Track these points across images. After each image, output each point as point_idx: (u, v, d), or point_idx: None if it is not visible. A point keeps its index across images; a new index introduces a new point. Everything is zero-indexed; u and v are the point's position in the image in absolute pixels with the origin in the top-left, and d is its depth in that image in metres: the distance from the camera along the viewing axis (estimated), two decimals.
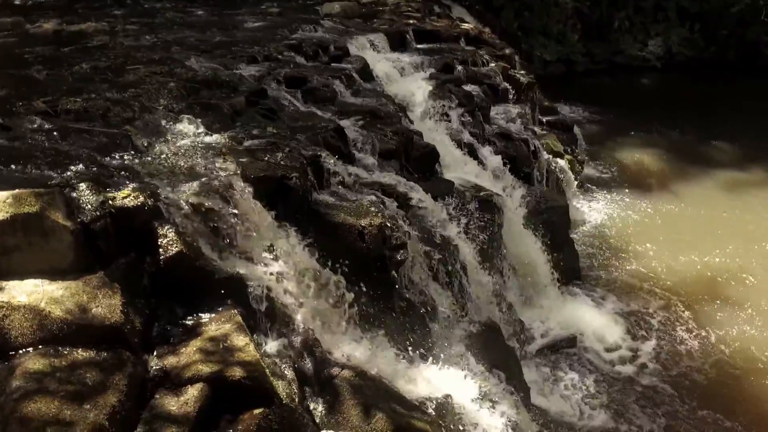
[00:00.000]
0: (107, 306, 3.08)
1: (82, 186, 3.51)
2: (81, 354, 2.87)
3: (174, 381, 2.99)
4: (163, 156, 4.38)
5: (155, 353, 3.18)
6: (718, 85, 18.11)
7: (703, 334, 7.02)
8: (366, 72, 8.20)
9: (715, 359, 6.62)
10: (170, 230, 3.53)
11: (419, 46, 10.43)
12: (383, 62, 8.91)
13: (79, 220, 3.33)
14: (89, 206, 3.41)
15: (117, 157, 4.19)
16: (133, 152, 4.34)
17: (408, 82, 8.50)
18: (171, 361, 3.11)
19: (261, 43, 8.42)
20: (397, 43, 10.09)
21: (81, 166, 3.82)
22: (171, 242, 3.49)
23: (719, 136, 13.38)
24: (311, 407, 3.46)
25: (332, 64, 8.18)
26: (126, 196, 3.55)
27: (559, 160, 9.69)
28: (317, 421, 3.39)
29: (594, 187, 10.92)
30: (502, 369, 5.02)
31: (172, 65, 6.74)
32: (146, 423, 2.72)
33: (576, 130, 11.77)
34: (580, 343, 6.79)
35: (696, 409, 5.93)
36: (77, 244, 3.25)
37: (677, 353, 6.72)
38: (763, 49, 19.70)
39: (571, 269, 7.79)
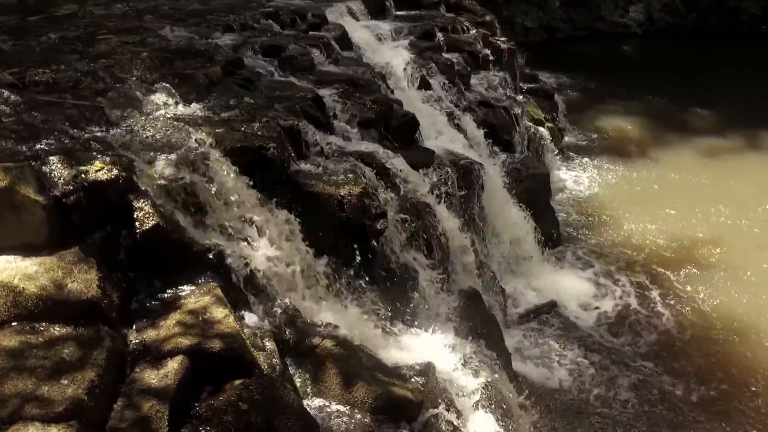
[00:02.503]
0: (83, 281, 3.04)
1: (53, 159, 3.43)
2: (58, 330, 2.84)
3: (154, 354, 2.98)
4: (137, 128, 4.28)
5: (134, 327, 3.17)
6: (698, 52, 18.16)
7: (681, 297, 7.16)
8: (344, 40, 8.06)
9: (690, 322, 6.77)
10: (146, 203, 3.48)
11: (399, 12, 10.28)
12: (362, 30, 8.77)
13: (51, 194, 3.26)
14: (61, 180, 3.33)
15: (89, 129, 4.08)
16: (105, 124, 4.23)
17: (387, 50, 8.38)
18: (150, 334, 3.10)
19: (237, 11, 8.22)
20: (377, 10, 9.93)
21: (51, 139, 3.72)
22: (147, 215, 3.45)
23: (699, 102, 13.46)
24: (293, 377, 3.48)
25: (310, 33, 8.02)
26: (99, 169, 3.48)
27: (540, 127, 9.70)
28: (299, 390, 3.42)
29: (575, 155, 10.96)
30: (483, 336, 5.09)
31: (144, 34, 6.55)
32: (126, 396, 2.72)
33: (557, 97, 11.77)
34: (561, 308, 6.89)
35: (671, 371, 6.08)
36: (50, 219, 3.19)
37: (656, 317, 6.86)
38: (742, 15, 19.75)
39: (552, 236, 7.87)
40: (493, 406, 4.31)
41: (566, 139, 11.37)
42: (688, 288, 7.32)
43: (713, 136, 11.95)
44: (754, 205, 9.16)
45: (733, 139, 11.78)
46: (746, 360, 6.18)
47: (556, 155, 10.17)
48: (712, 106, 13.28)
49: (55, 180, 3.34)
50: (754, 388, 5.82)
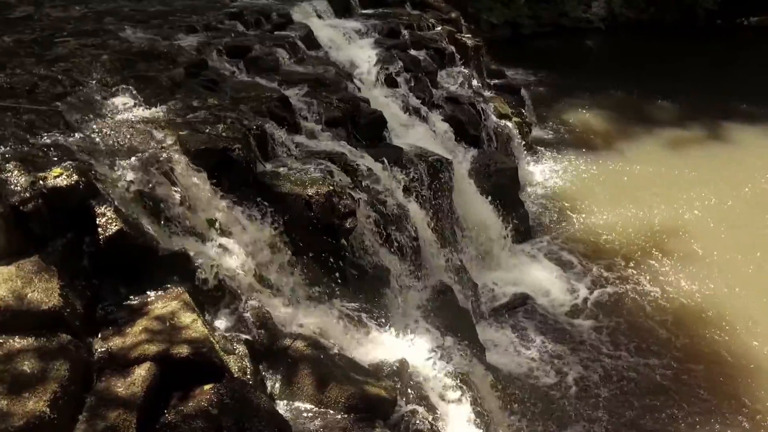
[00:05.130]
0: (44, 290, 2.95)
1: (9, 167, 3.33)
2: (18, 342, 2.75)
3: (120, 362, 2.91)
4: (98, 132, 4.19)
5: (99, 335, 3.09)
6: (658, 45, 18.57)
7: (649, 285, 7.30)
8: (310, 39, 8.02)
9: (659, 309, 6.91)
10: (108, 209, 3.40)
11: (364, 11, 10.28)
12: (327, 29, 8.74)
13: (8, 202, 3.18)
14: (18, 187, 3.25)
15: (47, 135, 3.97)
16: (65, 129, 4.12)
17: (353, 48, 8.36)
18: (116, 342, 3.03)
19: (200, 12, 8.11)
20: (342, 9, 9.89)
21: (7, 146, 3.61)
22: (110, 221, 3.37)
23: (660, 95, 13.76)
24: (265, 380, 3.44)
25: (275, 33, 7.96)
26: (58, 176, 3.39)
27: (507, 122, 9.78)
28: (272, 392, 3.39)
29: (542, 148, 11.09)
30: (456, 331, 5.12)
31: (105, 37, 6.43)
32: (92, 407, 2.65)
33: (523, 92, 11.89)
34: (533, 300, 6.96)
35: (641, 358, 6.19)
36: (7, 228, 3.10)
37: (624, 306, 6.98)
38: (698, 10, 20.33)
39: (522, 229, 7.95)
40: (468, 399, 4.33)
41: (533, 133, 11.49)
42: (656, 276, 7.47)
43: (676, 127, 12.22)
44: (717, 193, 9.39)
45: (694, 130, 12.06)
46: (716, 347, 6.31)
47: (524, 149, 10.27)
48: (674, 97, 13.59)
49: (12, 188, 3.25)
50: (726, 375, 5.94)
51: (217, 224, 3.86)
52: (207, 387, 2.84)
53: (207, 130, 4.43)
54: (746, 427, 5.36)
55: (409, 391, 3.91)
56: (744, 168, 10.31)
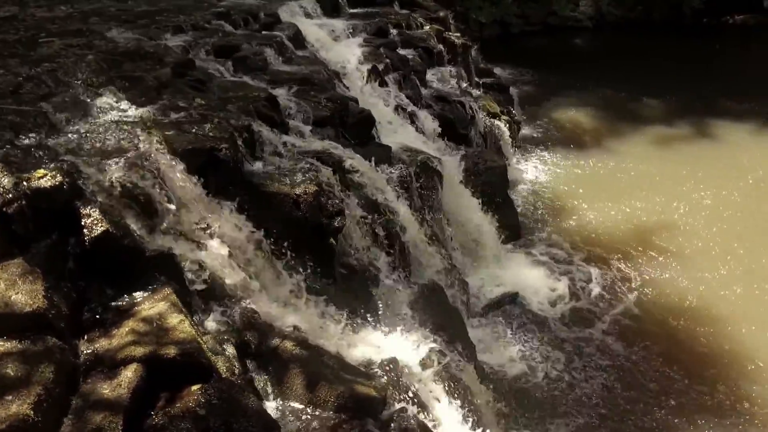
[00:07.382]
0: (28, 292, 2.92)
1: None
2: (1, 345, 2.72)
3: (107, 364, 2.89)
4: (84, 133, 4.16)
5: (86, 337, 3.07)
6: (646, 43, 18.69)
7: (639, 282, 7.34)
8: (298, 39, 8.00)
9: (648, 307, 6.94)
10: (94, 210, 3.37)
11: (353, 10, 10.28)
12: (316, 28, 8.73)
13: None
14: (1, 189, 3.20)
15: (31, 136, 3.93)
16: (49, 130, 4.08)
17: (342, 47, 8.35)
18: (103, 344, 3.00)
19: (187, 12, 8.08)
20: (330, 8, 9.89)
21: None
22: (95, 222, 3.34)
23: (648, 93, 13.84)
24: (254, 380, 3.43)
25: (263, 32, 7.94)
26: (42, 176, 3.36)
27: (496, 121, 9.80)
28: (261, 393, 3.37)
29: (531, 147, 11.13)
30: (446, 329, 5.11)
31: (90, 37, 6.38)
32: (77, 409, 2.63)
33: (512, 91, 11.93)
34: (523, 298, 6.98)
35: (630, 356, 6.21)
36: None
37: (614, 303, 7.01)
38: (684, 9, 20.50)
39: (511, 227, 7.96)
40: (458, 397, 4.34)
41: (523, 131, 11.53)
42: (645, 273, 7.51)
43: (663, 125, 12.30)
44: (707, 190, 9.45)
45: (681, 127, 12.14)
46: (703, 343, 6.35)
47: (513, 148, 10.30)
48: (661, 95, 13.67)
49: None
50: (713, 372, 5.97)
51: (204, 224, 3.84)
52: (195, 388, 2.83)
53: (194, 130, 4.40)
54: (744, 427, 5.37)
55: (399, 389, 3.90)
56: (732, 165, 10.39)
